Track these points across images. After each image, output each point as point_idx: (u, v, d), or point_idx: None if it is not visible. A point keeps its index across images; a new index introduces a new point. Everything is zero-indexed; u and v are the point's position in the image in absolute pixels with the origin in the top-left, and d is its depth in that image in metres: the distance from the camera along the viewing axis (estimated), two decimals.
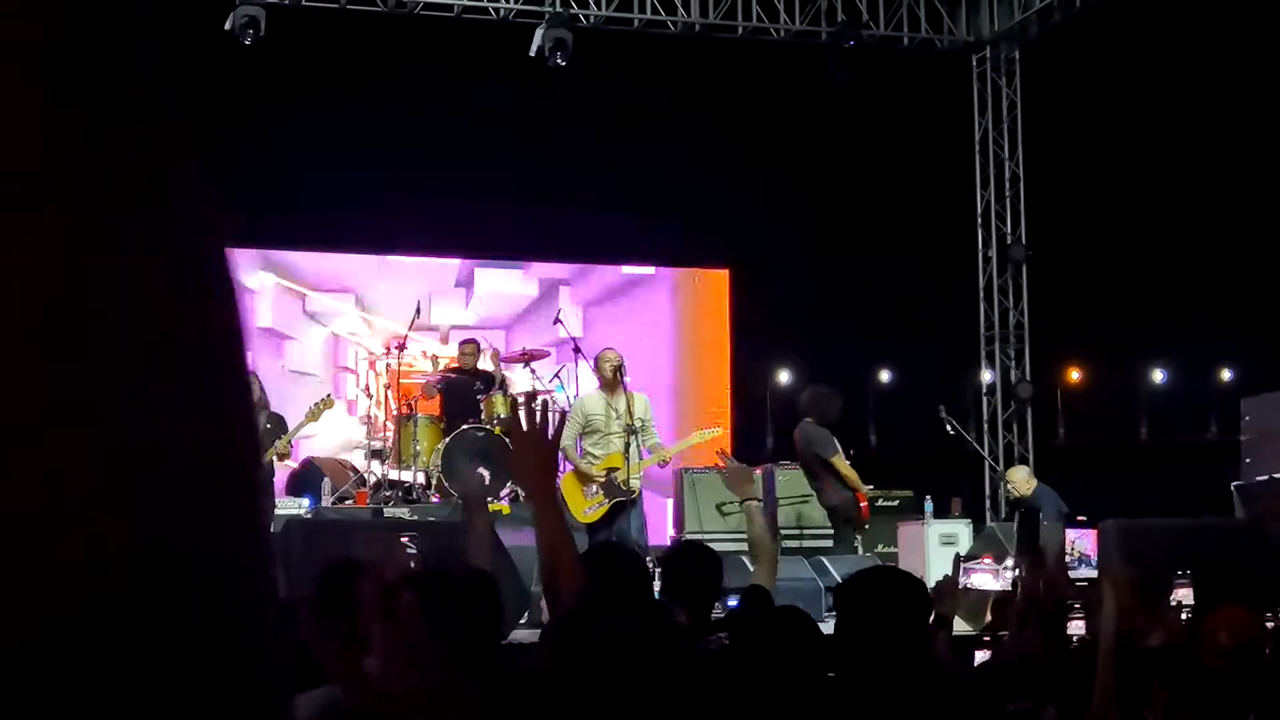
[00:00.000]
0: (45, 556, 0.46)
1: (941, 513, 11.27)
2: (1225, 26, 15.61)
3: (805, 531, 11.20)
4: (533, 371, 11.92)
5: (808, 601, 8.40)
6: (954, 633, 4.76)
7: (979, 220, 14.82)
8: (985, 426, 14.65)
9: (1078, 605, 4.84)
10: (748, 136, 15.23)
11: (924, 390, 15.47)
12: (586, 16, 13.20)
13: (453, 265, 15.24)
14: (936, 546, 10.18)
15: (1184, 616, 4.98)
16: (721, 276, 15.96)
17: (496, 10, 13.05)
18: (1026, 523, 8.77)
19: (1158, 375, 31.12)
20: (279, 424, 10.03)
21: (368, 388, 13.19)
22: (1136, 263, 20.92)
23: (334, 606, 2.71)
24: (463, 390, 11.41)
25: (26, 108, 0.48)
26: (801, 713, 3.07)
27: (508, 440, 9.39)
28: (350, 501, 11.16)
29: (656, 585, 5.06)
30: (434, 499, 10.87)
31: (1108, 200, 19.58)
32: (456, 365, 12.04)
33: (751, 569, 5.19)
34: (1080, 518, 9.18)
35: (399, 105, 14.40)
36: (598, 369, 9.72)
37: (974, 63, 14.77)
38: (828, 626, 3.42)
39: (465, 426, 10.92)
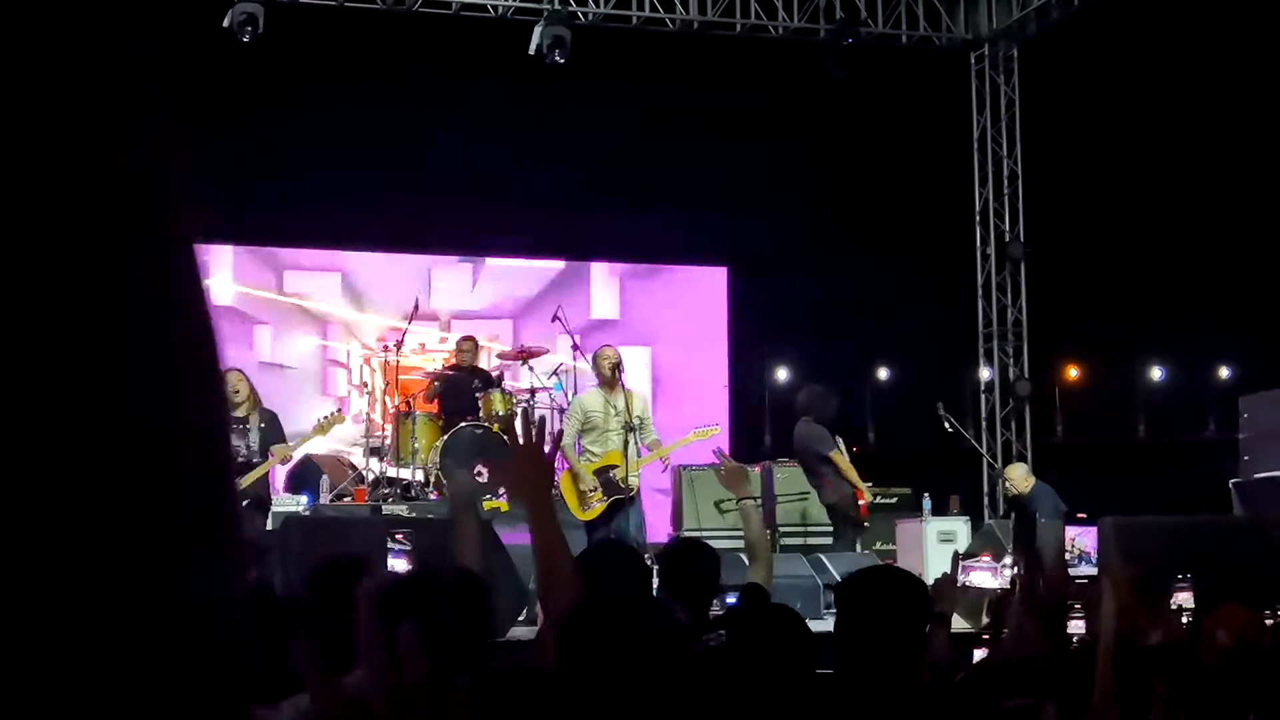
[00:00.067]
0: None
1: (940, 510, 11.28)
2: (1224, 25, 15.60)
3: (805, 529, 11.22)
4: (531, 370, 11.91)
5: (806, 599, 8.41)
6: (953, 630, 4.75)
7: (977, 218, 14.82)
8: (984, 424, 14.65)
9: (1078, 606, 4.83)
10: (746, 134, 15.20)
11: (922, 388, 15.47)
12: (585, 14, 13.20)
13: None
14: (935, 544, 10.19)
15: (1184, 620, 4.98)
16: (719, 274, 15.95)
17: (495, 8, 13.04)
18: (1024, 521, 8.78)
19: (1156, 373, 31.10)
20: (273, 423, 9.11)
21: (363, 385, 13.12)
22: (1135, 261, 20.89)
23: (325, 609, 2.70)
24: (461, 388, 11.41)
25: (27, 107, 0.47)
26: (797, 710, 3.07)
27: (505, 438, 9.38)
28: (349, 499, 11.15)
29: (655, 583, 5.05)
30: (432, 496, 10.87)
31: (1106, 198, 19.56)
32: (454, 363, 12.03)
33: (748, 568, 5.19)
34: (1080, 515, 9.19)
35: (397, 102, 14.37)
36: (596, 367, 9.72)
37: (972, 60, 14.77)
38: (827, 624, 3.42)
39: (463, 424, 10.92)
